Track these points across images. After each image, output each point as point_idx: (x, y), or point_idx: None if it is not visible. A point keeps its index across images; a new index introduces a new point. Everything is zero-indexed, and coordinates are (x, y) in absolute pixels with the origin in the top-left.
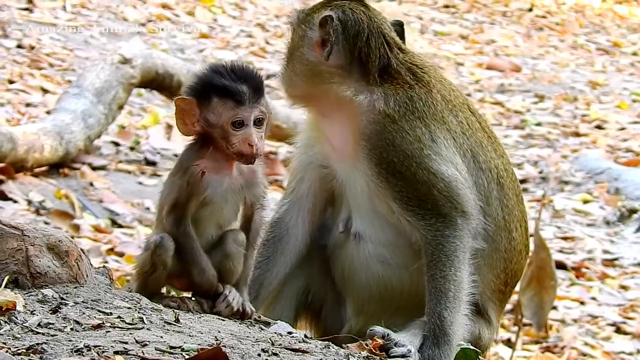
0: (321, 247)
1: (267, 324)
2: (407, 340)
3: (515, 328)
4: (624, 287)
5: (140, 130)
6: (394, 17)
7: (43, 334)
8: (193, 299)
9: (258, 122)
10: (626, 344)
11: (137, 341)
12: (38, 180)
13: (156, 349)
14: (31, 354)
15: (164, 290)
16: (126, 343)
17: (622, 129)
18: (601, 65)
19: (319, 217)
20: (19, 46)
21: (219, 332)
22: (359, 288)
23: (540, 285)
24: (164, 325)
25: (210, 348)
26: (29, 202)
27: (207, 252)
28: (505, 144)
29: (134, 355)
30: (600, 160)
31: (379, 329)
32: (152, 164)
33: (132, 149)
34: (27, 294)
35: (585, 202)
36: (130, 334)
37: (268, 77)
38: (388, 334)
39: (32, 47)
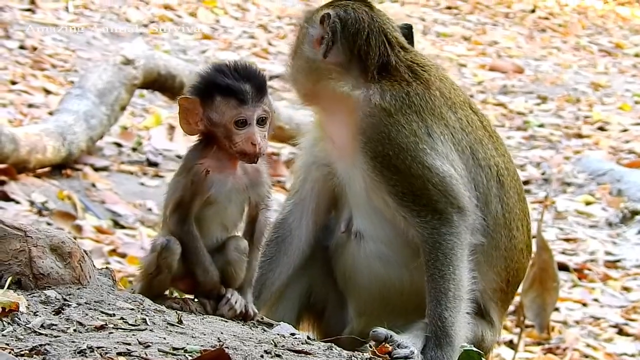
0: (324, 248)
1: (270, 326)
2: (410, 342)
3: (518, 329)
4: (626, 289)
5: (142, 131)
6: (396, 18)
7: (46, 335)
8: (196, 300)
9: (261, 121)
10: (628, 345)
11: (140, 342)
12: (40, 181)
13: (159, 350)
14: (34, 355)
15: (167, 291)
16: (129, 344)
17: (625, 130)
18: (604, 66)
19: (323, 218)
20: (22, 47)
21: (221, 333)
22: (360, 288)
23: (542, 287)
24: (167, 327)
25: (213, 349)
26: (32, 203)
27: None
28: (508, 145)
29: (136, 356)
30: (603, 162)
31: (381, 330)
32: (154, 165)
33: (134, 150)
34: (30, 295)
35: (588, 203)
36: (133, 335)
37: (270, 78)
38: (391, 336)
39: (35, 48)
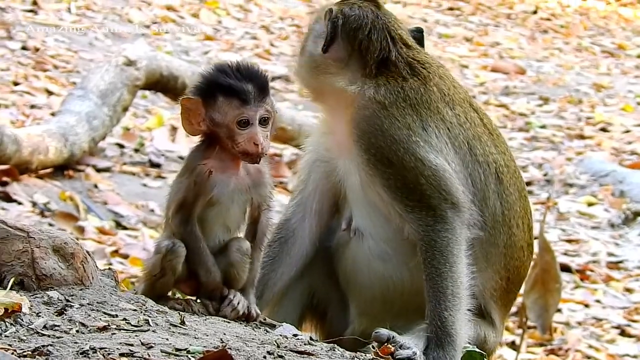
0: (326, 249)
1: (273, 326)
2: (412, 343)
3: (520, 330)
4: (629, 290)
5: (144, 132)
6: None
7: (49, 336)
8: (198, 301)
9: (263, 121)
10: (631, 346)
11: (142, 343)
12: (43, 182)
13: (162, 351)
14: (37, 356)
15: (169, 292)
16: (132, 345)
17: (627, 131)
18: (606, 67)
19: (326, 218)
20: (24, 48)
21: (224, 334)
22: (361, 287)
23: (544, 288)
24: (170, 328)
25: (215, 350)
26: (34, 204)
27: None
28: (510, 146)
29: (139, 357)
30: (605, 163)
31: (384, 331)
32: (156, 166)
33: (136, 150)
34: (32, 296)
35: (590, 204)
36: (136, 336)
37: (273, 79)
38: (393, 337)
39: (37, 49)
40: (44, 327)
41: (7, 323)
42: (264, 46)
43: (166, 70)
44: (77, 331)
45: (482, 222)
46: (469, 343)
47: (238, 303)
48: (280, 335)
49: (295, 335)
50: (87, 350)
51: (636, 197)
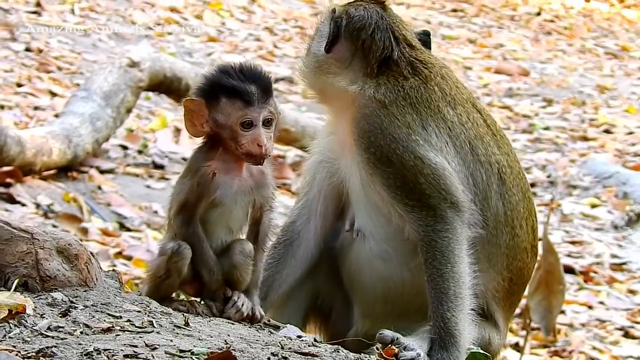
0: (331, 250)
1: (277, 328)
2: (416, 344)
3: (524, 332)
4: (632, 292)
5: (148, 134)
6: None
7: (53, 337)
8: (202, 302)
9: (267, 123)
10: (634, 348)
11: (146, 345)
12: (46, 184)
13: (166, 352)
14: (41, 358)
15: (173, 294)
16: (136, 347)
17: (631, 133)
18: (609, 69)
19: (331, 220)
20: (27, 49)
21: (228, 335)
22: (364, 288)
23: (548, 290)
24: (174, 329)
25: (220, 351)
26: (37, 206)
27: None
28: (514, 148)
29: (143, 358)
30: (609, 165)
31: (388, 332)
32: (160, 167)
33: (140, 152)
34: (36, 297)
35: (594, 206)
36: (140, 337)
37: (276, 80)
38: (397, 338)
39: (40, 51)
40: (48, 328)
41: (11, 324)
42: (268, 48)
43: (169, 71)
44: (81, 332)
45: (483, 222)
46: (473, 344)
47: (242, 304)
48: (285, 336)
49: (299, 336)
50: (91, 351)
51: (639, 198)
